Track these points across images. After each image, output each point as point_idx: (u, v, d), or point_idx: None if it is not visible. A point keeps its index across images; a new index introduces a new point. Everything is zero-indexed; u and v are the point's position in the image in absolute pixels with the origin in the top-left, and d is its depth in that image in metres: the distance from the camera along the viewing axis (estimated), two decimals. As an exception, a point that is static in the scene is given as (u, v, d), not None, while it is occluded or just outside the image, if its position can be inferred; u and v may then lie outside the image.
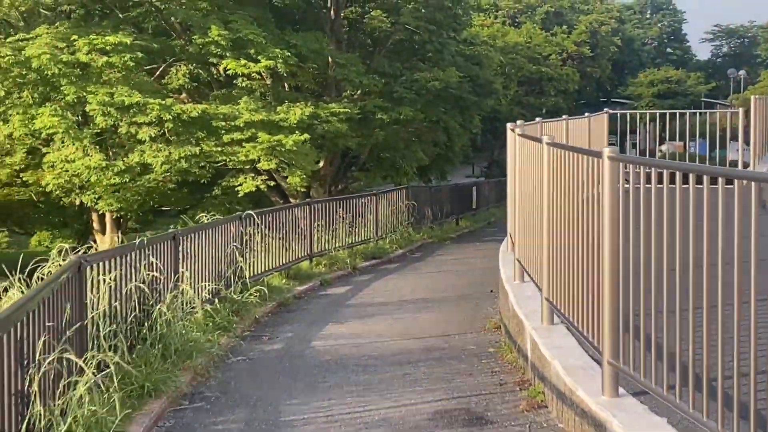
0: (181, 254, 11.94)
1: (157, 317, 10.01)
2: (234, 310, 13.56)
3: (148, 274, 10.22)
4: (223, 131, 23.13)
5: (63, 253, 9.39)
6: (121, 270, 9.28)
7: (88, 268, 8.21)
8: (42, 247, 35.39)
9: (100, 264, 8.63)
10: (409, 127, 28.55)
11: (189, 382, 9.89)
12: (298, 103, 24.20)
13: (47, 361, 6.30)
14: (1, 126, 24.12)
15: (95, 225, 31.29)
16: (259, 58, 23.60)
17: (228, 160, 23.69)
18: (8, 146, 24.97)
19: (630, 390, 6.42)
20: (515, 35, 52.89)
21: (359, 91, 27.72)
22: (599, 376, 6.51)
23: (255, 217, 15.62)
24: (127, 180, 24.71)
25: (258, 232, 15.98)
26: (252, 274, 15.42)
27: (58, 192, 27.29)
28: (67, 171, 23.79)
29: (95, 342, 8.28)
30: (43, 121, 22.56)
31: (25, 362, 6.06)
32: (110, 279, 8.71)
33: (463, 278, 18.89)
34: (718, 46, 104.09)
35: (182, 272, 11.81)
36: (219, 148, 23.45)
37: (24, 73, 22.87)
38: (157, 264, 10.53)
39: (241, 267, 14.51)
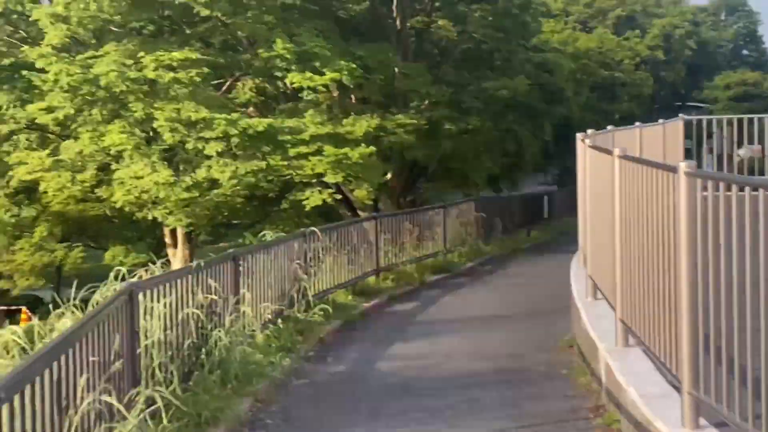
0: (241, 275, 11.65)
1: (216, 342, 9.73)
2: (298, 330, 13.25)
3: (206, 297, 9.94)
4: (289, 145, 22.91)
5: (120, 277, 9.12)
6: (177, 295, 9.00)
7: (141, 295, 7.92)
8: (116, 261, 35.50)
9: (154, 290, 8.35)
10: (478, 137, 28.10)
11: (249, 408, 9.58)
12: (364, 115, 23.92)
13: (86, 402, 5.98)
14: (72, 144, 24.19)
15: (167, 239, 31.29)
16: (324, 70, 23.34)
17: (294, 173, 23.48)
18: (79, 163, 25.04)
19: (712, 420, 5.94)
20: (586, 41, 52.01)
21: (426, 102, 27.35)
22: (678, 404, 6.04)
23: (318, 233, 15.30)
24: (196, 195, 24.62)
25: (322, 248, 15.67)
26: (317, 292, 15.11)
27: (129, 207, 27.39)
28: (136, 187, 23.76)
29: (148, 372, 7.99)
30: (112, 139, 22.57)
31: (65, 403, 5.75)
32: (164, 305, 8.42)
33: (534, 292, 18.40)
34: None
35: (243, 293, 11.52)
36: (285, 162, 23.23)
37: (93, 90, 22.89)
38: (215, 286, 10.24)
39: (305, 285, 14.19)
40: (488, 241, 25.02)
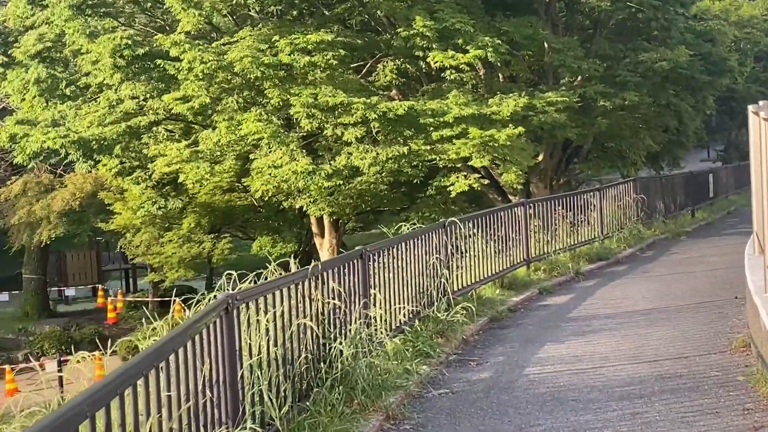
0: (371, 274, 10.50)
1: (338, 353, 8.61)
2: (437, 331, 12.06)
3: (327, 303, 8.83)
4: (431, 128, 21.68)
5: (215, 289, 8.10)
6: (289, 303, 7.90)
7: (242, 307, 6.84)
8: (263, 252, 35.02)
9: (258, 300, 7.25)
10: (635, 113, 26.25)
11: (378, 427, 8.45)
12: (511, 94, 22.47)
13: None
14: (209, 133, 23.54)
15: (314, 228, 30.57)
16: (467, 48, 22.01)
17: (438, 158, 22.23)
18: (218, 153, 24.41)
19: None
20: (750, 8, 48.89)
21: (578, 78, 25.66)
22: None
23: (460, 224, 14.02)
24: (338, 183, 23.68)
25: (466, 239, 14.40)
26: (459, 287, 13.88)
27: (273, 197, 26.72)
28: (274, 177, 22.95)
29: (254, 397, 6.91)
30: (249, 127, 21.76)
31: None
32: (271, 317, 7.33)
33: (701, 281, 16.73)
34: None
35: (372, 295, 10.38)
36: (428, 147, 22.02)
37: (228, 78, 22.18)
38: (338, 290, 9.12)
39: (446, 281, 12.95)
40: (649, 224, 23.25)
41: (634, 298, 15.37)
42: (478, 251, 14.92)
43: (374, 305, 10.29)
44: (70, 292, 41.73)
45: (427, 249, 12.72)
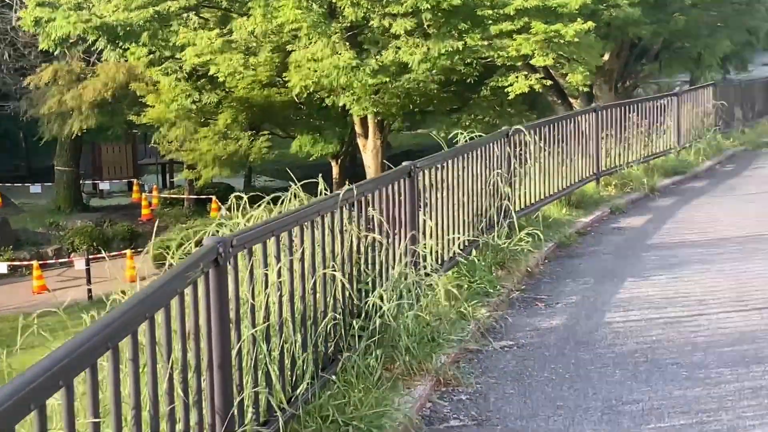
0: (420, 196, 8.48)
1: (377, 303, 6.64)
2: (498, 261, 10.07)
3: (365, 237, 6.85)
4: (490, 21, 19.40)
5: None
6: (312, 241, 5.92)
7: (241, 255, 4.86)
8: (303, 152, 33.05)
9: (266, 242, 5.25)
10: (715, 10, 23.64)
11: (424, 400, 6.55)
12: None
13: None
14: (244, 22, 21.37)
15: (357, 128, 28.51)
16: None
17: (496, 55, 19.95)
18: (254, 44, 22.29)
19: None
20: None
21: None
22: None
23: (525, 132, 11.89)
24: (385, 81, 21.55)
25: (530, 151, 12.30)
26: (522, 207, 11.84)
27: (316, 93, 24.71)
28: (315, 71, 20.87)
29: (258, 374, 4.97)
30: (286, 15, 19.58)
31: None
32: (286, 264, 5.34)
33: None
34: None
35: (422, 222, 8.38)
36: (486, 42, 19.76)
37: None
38: (378, 219, 7.14)
39: (507, 202, 10.92)
40: (727, 134, 20.94)
41: (722, 222, 13.28)
42: (545, 165, 12.83)
43: (424, 236, 8.29)
44: (104, 185, 40.35)
45: (487, 163, 10.66)
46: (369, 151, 28.25)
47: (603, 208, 14.16)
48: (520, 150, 11.85)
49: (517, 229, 10.49)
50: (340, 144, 33.16)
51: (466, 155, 9.94)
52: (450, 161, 9.46)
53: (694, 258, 11.08)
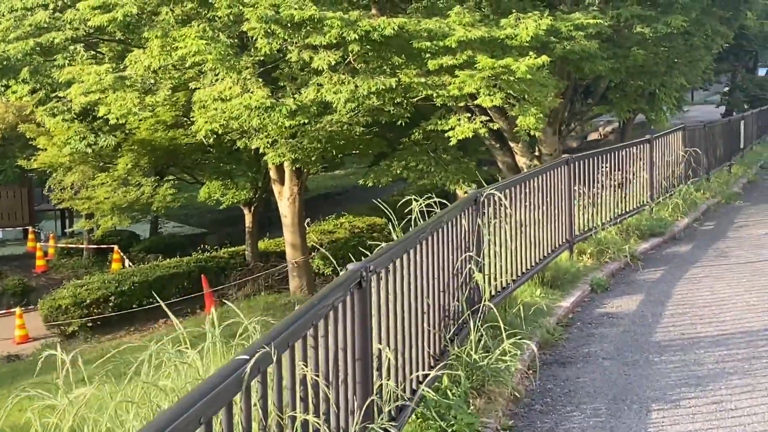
0: (370, 310, 5.50)
1: None
2: (475, 386, 7.13)
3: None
4: (427, 55, 16.58)
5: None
6: None
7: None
8: (212, 200, 29.87)
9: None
10: (676, 44, 21.06)
11: None
12: (529, 14, 17.36)
13: None
14: (139, 54, 18.24)
15: (272, 174, 25.51)
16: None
17: (435, 94, 17.09)
18: (152, 81, 19.17)
19: None
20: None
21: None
22: None
23: (500, 196, 9.00)
24: (303, 123, 18.61)
25: (501, 218, 9.42)
26: (494, 293, 8.93)
27: (224, 136, 21.72)
28: (223, 112, 17.82)
29: None
30: (188, 46, 16.52)
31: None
32: None
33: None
34: None
35: (377, 350, 5.41)
36: (422, 79, 16.92)
37: (164, -18, 16.95)
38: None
39: (479, 291, 8.02)
40: (697, 184, 18.32)
41: (735, 304, 10.53)
42: (515, 235, 9.96)
43: (380, 374, 5.32)
44: (-4, 233, 36.89)
45: (454, 242, 7.75)
46: (285, 199, 25.29)
47: (582, 285, 11.33)
48: (492, 218, 8.96)
49: (503, 335, 7.56)
50: (254, 190, 30.11)
51: (429, 238, 7.00)
52: (411, 250, 6.51)
53: (725, 366, 8.28)
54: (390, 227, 8.61)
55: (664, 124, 22.94)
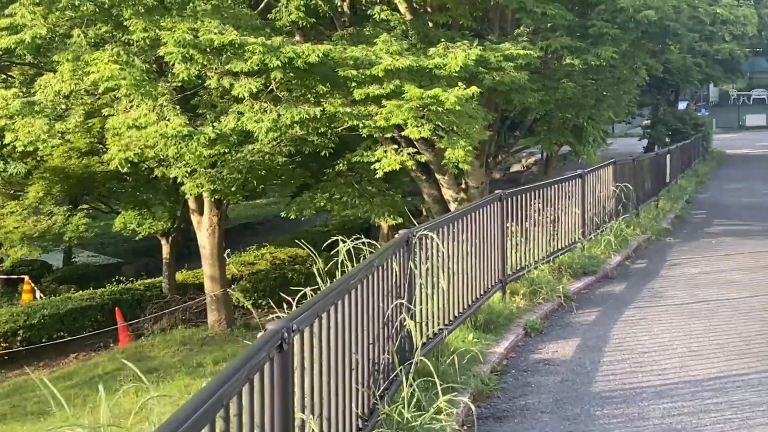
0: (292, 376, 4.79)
1: None
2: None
3: None
4: (353, 83, 15.97)
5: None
6: None
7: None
8: (127, 230, 28.83)
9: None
10: (605, 76, 20.70)
11: None
12: (459, 43, 16.84)
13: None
14: (50, 79, 17.32)
15: (191, 204, 24.64)
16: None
17: (361, 124, 16.46)
18: (63, 106, 18.24)
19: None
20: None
21: (532, 28, 20.05)
22: None
23: (432, 236, 8.37)
24: (223, 152, 17.88)
25: (434, 259, 8.78)
26: (426, 341, 8.27)
27: (141, 164, 20.87)
28: (138, 140, 17.00)
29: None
30: (101, 71, 15.67)
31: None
32: None
33: (754, 314, 11.53)
34: None
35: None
36: (348, 109, 16.29)
37: (76, 3, 16.05)
38: None
39: (409, 340, 7.36)
40: (627, 220, 17.91)
41: (676, 351, 9.99)
42: (447, 276, 9.31)
43: None
44: None
45: (385, 288, 7.08)
46: (204, 230, 24.46)
47: (516, 328, 10.72)
48: (424, 261, 8.32)
49: (437, 388, 6.89)
50: (172, 220, 29.17)
51: (358, 286, 6.33)
52: (339, 301, 5.82)
53: (672, 422, 7.73)
54: (313, 259, 7.99)
55: (592, 158, 22.59)
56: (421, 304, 8.19)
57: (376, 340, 6.85)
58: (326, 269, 7.82)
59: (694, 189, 30.29)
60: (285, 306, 8.01)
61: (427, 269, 8.38)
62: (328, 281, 7.40)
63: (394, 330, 7.36)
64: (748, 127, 61.06)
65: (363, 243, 7.79)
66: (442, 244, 9.08)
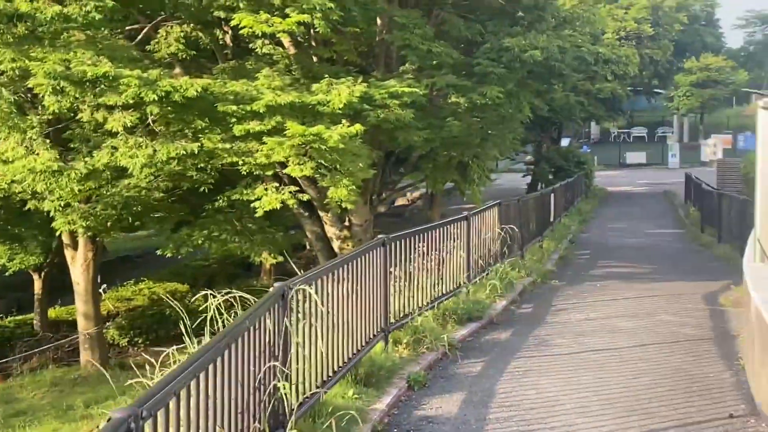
0: None
1: None
2: None
3: None
4: (234, 119, 15.40)
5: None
6: None
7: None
8: (-1, 263, 27.63)
9: None
10: (491, 114, 20.48)
11: None
12: (342, 79, 16.43)
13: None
14: None
15: (65, 238, 23.69)
16: (287, 11, 15.93)
17: (241, 161, 15.89)
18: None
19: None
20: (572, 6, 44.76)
21: (417, 66, 19.76)
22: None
23: (308, 291, 7.87)
24: (95, 188, 17.12)
25: (311, 312, 8.27)
26: (301, 401, 7.73)
27: (13, 196, 19.90)
28: (3, 175, 16.13)
29: None
30: (-37, 102, 14.85)
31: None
32: None
33: (642, 365, 11.29)
34: (751, 33, 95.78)
35: None
36: (228, 145, 15.72)
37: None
38: None
39: (283, 393, 6.83)
40: (512, 262, 17.67)
41: (564, 407, 9.62)
42: (325, 330, 8.80)
43: None
44: None
45: (256, 350, 6.55)
46: (78, 265, 23.55)
47: (398, 381, 10.24)
48: (301, 318, 7.80)
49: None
50: (45, 254, 28.05)
51: (226, 351, 5.78)
52: (202, 373, 5.26)
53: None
54: (193, 294, 7.43)
55: (477, 195, 22.41)
56: (297, 363, 7.67)
57: (246, 409, 6.30)
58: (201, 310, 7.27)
59: (577, 228, 30.45)
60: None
61: (304, 326, 7.85)
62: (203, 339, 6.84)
63: (267, 394, 6.81)
64: (629, 164, 62.31)
65: (234, 298, 7.24)
66: (322, 296, 8.57)
